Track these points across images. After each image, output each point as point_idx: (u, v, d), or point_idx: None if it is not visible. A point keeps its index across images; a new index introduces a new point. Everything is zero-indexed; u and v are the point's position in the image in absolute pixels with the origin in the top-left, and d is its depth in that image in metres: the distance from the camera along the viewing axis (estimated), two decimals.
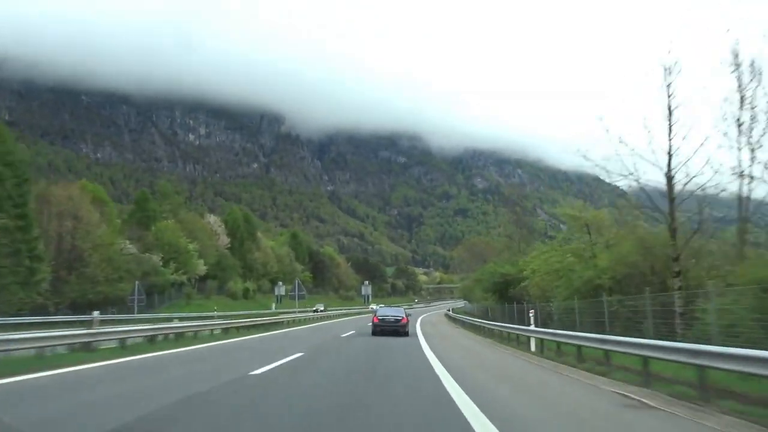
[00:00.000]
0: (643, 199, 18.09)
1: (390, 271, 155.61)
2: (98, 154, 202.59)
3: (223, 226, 69.63)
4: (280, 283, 53.72)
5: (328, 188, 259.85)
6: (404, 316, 23.31)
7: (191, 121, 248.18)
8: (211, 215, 77.30)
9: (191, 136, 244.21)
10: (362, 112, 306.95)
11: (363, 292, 71.60)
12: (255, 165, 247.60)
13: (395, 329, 22.00)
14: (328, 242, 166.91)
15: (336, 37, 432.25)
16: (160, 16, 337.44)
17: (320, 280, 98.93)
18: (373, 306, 65.75)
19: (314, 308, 58.96)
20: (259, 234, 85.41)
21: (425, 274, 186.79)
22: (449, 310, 64.78)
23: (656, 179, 15.55)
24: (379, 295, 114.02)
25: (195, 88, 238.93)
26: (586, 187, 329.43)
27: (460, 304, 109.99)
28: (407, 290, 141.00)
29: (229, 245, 68.09)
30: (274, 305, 53.35)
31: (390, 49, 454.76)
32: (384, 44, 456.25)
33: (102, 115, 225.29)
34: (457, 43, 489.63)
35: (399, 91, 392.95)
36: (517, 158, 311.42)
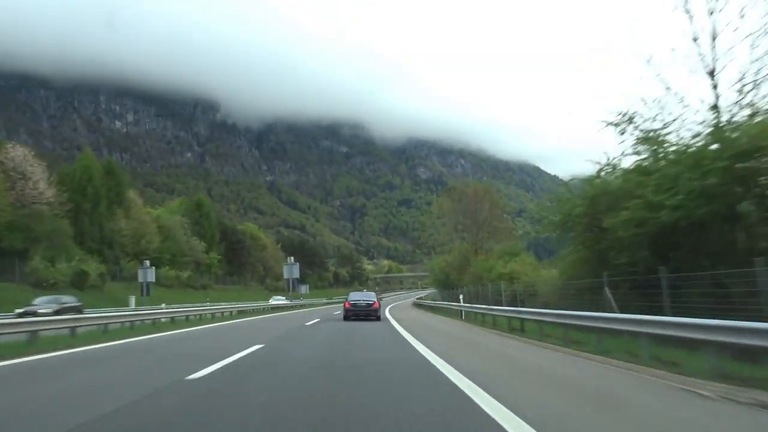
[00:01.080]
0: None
1: (332, 262, 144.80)
2: (12, 142, 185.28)
3: (45, 172, 45.58)
4: (147, 263, 35.89)
5: (267, 179, 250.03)
6: (375, 300, 24.38)
7: (118, 107, 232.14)
8: (18, 147, 47.43)
9: (118, 123, 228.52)
10: (302, 100, 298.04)
11: (286, 275, 48.36)
12: (189, 154, 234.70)
13: (367, 313, 23.05)
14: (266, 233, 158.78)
15: (274, 20, 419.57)
16: None
17: (237, 265, 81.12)
18: (278, 299, 51.74)
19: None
20: (131, 194, 62.09)
21: (372, 263, 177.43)
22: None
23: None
24: (320, 285, 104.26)
25: (122, 71, 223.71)
26: (527, 176, 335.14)
27: (416, 294, 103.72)
28: (352, 280, 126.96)
29: (70, 207, 45.95)
30: (133, 300, 36.74)
31: (330, 35, 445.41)
32: (324, 29, 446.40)
33: (17, 100, 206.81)
34: (399, 30, 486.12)
35: (340, 79, 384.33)
36: (460, 148, 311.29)
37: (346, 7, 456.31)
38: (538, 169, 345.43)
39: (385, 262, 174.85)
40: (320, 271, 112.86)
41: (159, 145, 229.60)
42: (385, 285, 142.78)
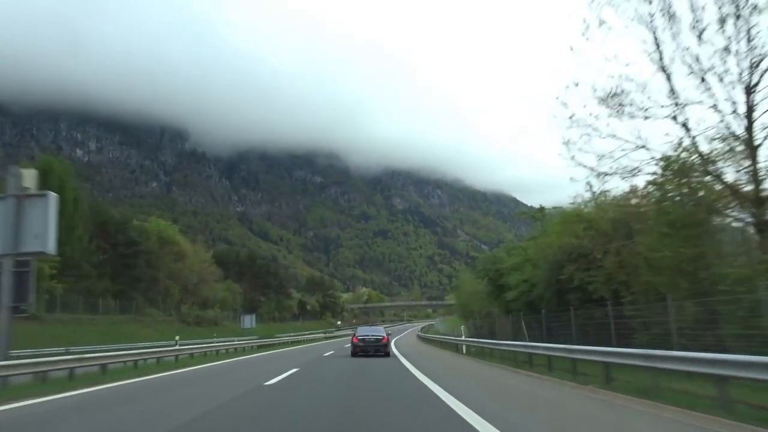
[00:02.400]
0: None
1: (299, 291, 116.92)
2: None
3: None
4: None
5: (238, 209, 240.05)
6: (385, 335, 23.74)
7: (79, 135, 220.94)
8: None
9: (79, 152, 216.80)
10: (275, 129, 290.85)
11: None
12: (154, 184, 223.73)
13: (376, 348, 22.50)
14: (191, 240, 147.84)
15: (246, 46, 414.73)
16: (42, 12, 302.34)
17: (127, 279, 51.83)
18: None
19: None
20: None
21: (349, 293, 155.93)
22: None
23: None
24: (278, 317, 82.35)
25: (84, 97, 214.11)
26: (504, 207, 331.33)
27: (406, 327, 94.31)
28: (323, 310, 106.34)
29: None
30: None
31: (303, 61, 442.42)
32: (297, 56, 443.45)
33: None
34: (373, 58, 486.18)
35: (315, 108, 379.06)
36: (437, 178, 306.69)
37: (318, 36, 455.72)
38: (514, 200, 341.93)
39: (364, 290, 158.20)
40: (280, 298, 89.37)
41: (123, 174, 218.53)
42: (364, 317, 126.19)
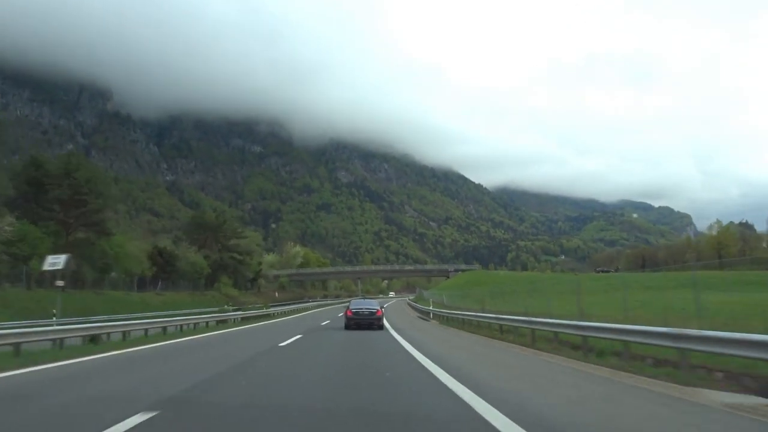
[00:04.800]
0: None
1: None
2: None
3: None
4: None
5: (167, 178, 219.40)
6: (379, 308, 23.30)
7: None
8: None
9: None
10: (212, 93, 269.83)
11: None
12: (70, 146, 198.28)
13: (370, 322, 21.90)
14: (163, 238, 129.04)
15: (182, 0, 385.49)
16: None
17: None
18: None
19: None
20: None
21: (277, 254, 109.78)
22: None
23: None
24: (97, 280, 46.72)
25: None
26: (452, 184, 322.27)
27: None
28: (218, 274, 68.78)
29: None
30: None
31: (245, 12, 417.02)
32: (238, 5, 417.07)
33: None
34: (322, 20, 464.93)
35: (257, 69, 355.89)
36: (384, 152, 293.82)
37: None
38: (463, 177, 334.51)
39: (298, 249, 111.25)
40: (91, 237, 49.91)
41: (33, 135, 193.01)
42: (298, 290, 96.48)
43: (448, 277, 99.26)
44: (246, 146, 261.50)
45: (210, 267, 65.15)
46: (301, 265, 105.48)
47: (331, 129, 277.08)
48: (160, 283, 55.47)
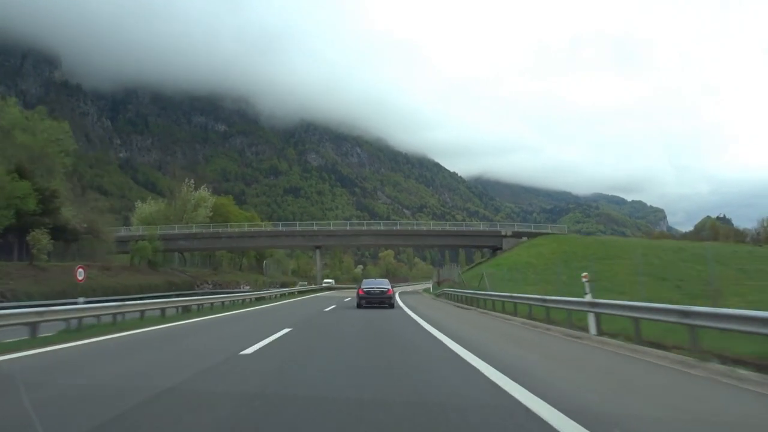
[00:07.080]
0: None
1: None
2: None
3: None
4: None
5: (121, 155, 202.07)
6: (389, 287, 23.57)
7: None
8: None
9: None
10: (173, 64, 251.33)
11: None
12: None
13: (381, 300, 22.32)
14: (110, 218, 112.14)
15: None
16: None
17: None
18: None
19: None
20: None
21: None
22: None
23: None
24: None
25: None
26: (427, 171, 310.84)
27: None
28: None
29: None
30: None
31: None
32: None
33: None
34: None
35: (222, 40, 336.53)
36: (357, 135, 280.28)
37: None
38: (438, 165, 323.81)
39: (204, 193, 78.22)
40: None
41: None
42: (193, 269, 65.30)
43: (495, 251, 57.78)
44: (209, 124, 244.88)
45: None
46: (212, 217, 69.38)
47: (302, 109, 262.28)
48: None
